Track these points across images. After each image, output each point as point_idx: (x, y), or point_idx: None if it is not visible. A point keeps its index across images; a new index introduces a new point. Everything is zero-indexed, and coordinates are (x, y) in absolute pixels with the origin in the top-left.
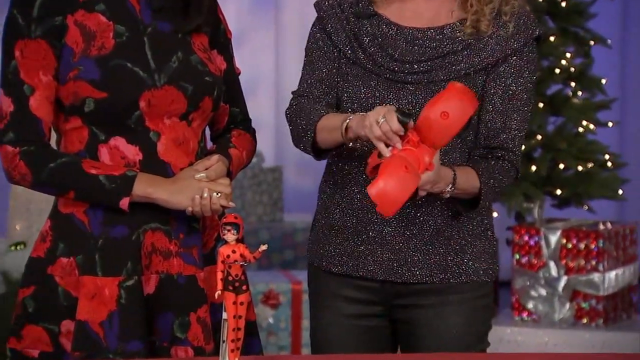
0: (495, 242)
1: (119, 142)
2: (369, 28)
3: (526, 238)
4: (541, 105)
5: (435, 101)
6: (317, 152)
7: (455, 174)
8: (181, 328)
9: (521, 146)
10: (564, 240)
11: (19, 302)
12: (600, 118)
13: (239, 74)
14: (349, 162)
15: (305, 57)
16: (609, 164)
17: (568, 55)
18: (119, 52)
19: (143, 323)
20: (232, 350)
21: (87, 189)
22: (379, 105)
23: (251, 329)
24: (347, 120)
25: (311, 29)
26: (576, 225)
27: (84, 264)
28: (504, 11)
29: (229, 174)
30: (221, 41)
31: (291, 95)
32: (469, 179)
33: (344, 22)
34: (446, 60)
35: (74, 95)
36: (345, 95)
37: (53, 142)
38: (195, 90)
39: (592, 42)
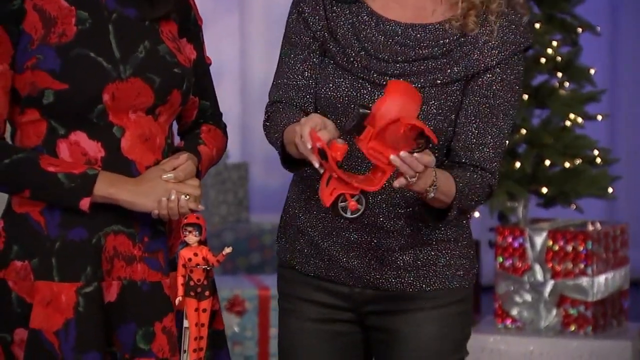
0: (472, 245)
1: (79, 137)
2: (348, 15)
3: (510, 240)
4: (526, 97)
5: (381, 104)
6: (295, 164)
7: (435, 173)
8: (145, 339)
9: (498, 165)
10: (550, 242)
11: None
12: (588, 111)
13: (210, 64)
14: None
15: (280, 53)
16: (598, 160)
17: (554, 43)
18: (82, 41)
19: (102, 333)
20: None
21: (44, 188)
22: (347, 102)
23: (219, 339)
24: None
25: (288, 17)
26: (563, 225)
27: (40, 268)
28: (491, 10)
29: (198, 174)
30: (191, 29)
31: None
32: (448, 182)
33: (321, 7)
34: (423, 67)
35: (31, 86)
36: (317, 93)
37: (8, 136)
38: (163, 82)
39: (580, 30)
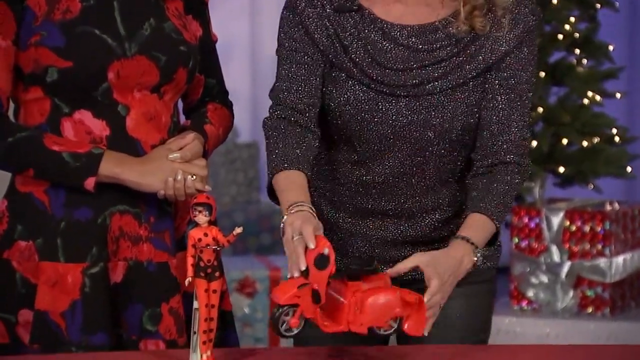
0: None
1: (84, 115)
2: (352, 24)
3: (526, 220)
4: (543, 74)
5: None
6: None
7: (468, 239)
8: (151, 320)
9: (526, 147)
10: (567, 222)
11: None
12: (607, 88)
13: (216, 41)
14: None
15: (279, 56)
16: (617, 138)
17: (572, 19)
18: (86, 17)
19: (108, 314)
20: (204, 342)
21: (48, 167)
22: (367, 116)
23: (227, 320)
24: (285, 217)
25: (283, 21)
26: (580, 205)
27: (44, 248)
28: (497, 3)
29: (205, 154)
30: (197, 6)
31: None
32: (485, 229)
33: (325, 20)
34: (441, 70)
35: (35, 63)
36: (332, 104)
37: (11, 114)
38: (169, 60)
39: (598, 5)
